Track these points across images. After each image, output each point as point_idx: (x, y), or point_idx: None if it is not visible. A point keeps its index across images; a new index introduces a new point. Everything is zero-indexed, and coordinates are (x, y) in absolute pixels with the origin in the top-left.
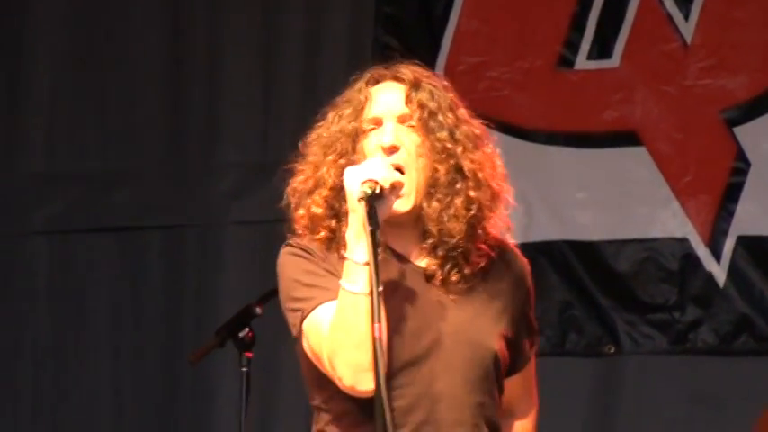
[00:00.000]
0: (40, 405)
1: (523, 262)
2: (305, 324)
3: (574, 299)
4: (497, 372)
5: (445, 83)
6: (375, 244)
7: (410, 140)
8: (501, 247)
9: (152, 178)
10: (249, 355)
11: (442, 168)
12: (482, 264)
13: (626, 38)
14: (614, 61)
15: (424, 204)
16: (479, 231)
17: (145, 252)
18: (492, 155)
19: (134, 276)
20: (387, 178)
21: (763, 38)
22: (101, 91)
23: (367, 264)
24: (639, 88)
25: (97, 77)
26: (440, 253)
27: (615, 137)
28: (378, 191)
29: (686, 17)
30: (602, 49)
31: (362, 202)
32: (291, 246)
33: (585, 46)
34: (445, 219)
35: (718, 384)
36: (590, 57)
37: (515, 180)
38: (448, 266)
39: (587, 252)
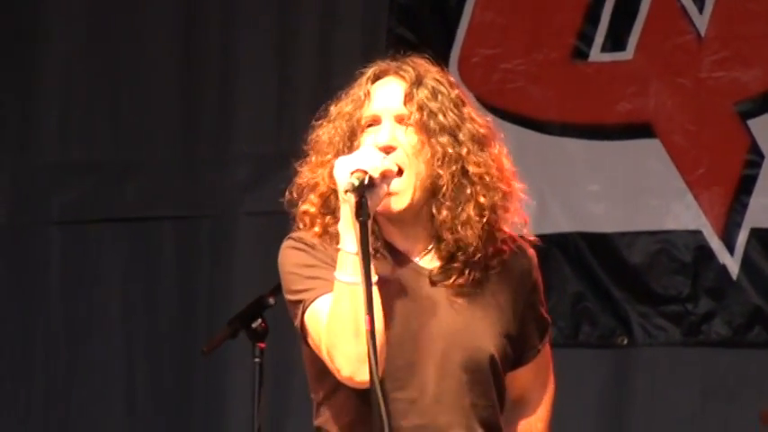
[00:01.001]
0: (53, 394)
1: (530, 256)
2: (306, 316)
3: (587, 290)
4: (495, 374)
5: (451, 78)
6: (366, 234)
7: (407, 140)
8: (514, 245)
9: (165, 169)
10: (262, 345)
11: (445, 173)
12: (494, 265)
13: (640, 30)
14: (628, 53)
15: (434, 211)
16: (496, 234)
17: (158, 242)
18: (499, 154)
19: (147, 267)
20: (376, 167)
21: None
22: (115, 81)
23: (357, 254)
24: (653, 80)
25: (111, 68)
26: (458, 258)
27: (629, 129)
28: (366, 181)
29: (700, 10)
30: (616, 41)
31: (350, 194)
32: (292, 239)
33: (600, 38)
34: (459, 227)
35: (731, 376)
36: (604, 49)
37: (529, 172)
38: (463, 271)
39: (601, 244)
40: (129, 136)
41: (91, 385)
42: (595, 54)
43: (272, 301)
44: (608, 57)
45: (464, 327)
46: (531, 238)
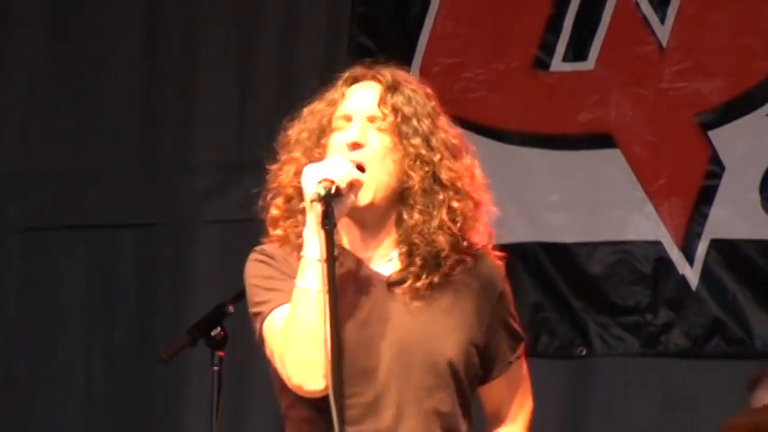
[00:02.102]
0: (11, 402)
1: (497, 266)
2: (264, 326)
3: (546, 301)
4: (457, 380)
5: (428, 90)
6: (331, 243)
7: (377, 140)
8: (478, 254)
9: (126, 177)
10: (221, 353)
11: (416, 175)
12: (455, 272)
13: (601, 40)
14: (589, 63)
15: (405, 216)
16: (465, 242)
17: (118, 250)
18: (471, 165)
19: (107, 274)
20: (344, 177)
21: (739, 42)
22: (76, 89)
23: (320, 261)
24: (614, 91)
25: (72, 75)
26: (417, 261)
27: (590, 139)
28: (333, 190)
29: (662, 20)
30: (577, 51)
31: (316, 204)
32: (256, 252)
33: (561, 48)
34: (431, 231)
35: (690, 387)
36: (565, 59)
37: (489, 181)
38: (421, 275)
39: (560, 254)
40: (91, 143)
41: (50, 391)
42: (557, 64)
43: (231, 309)
44: (569, 66)
45: (421, 331)
46: (498, 254)
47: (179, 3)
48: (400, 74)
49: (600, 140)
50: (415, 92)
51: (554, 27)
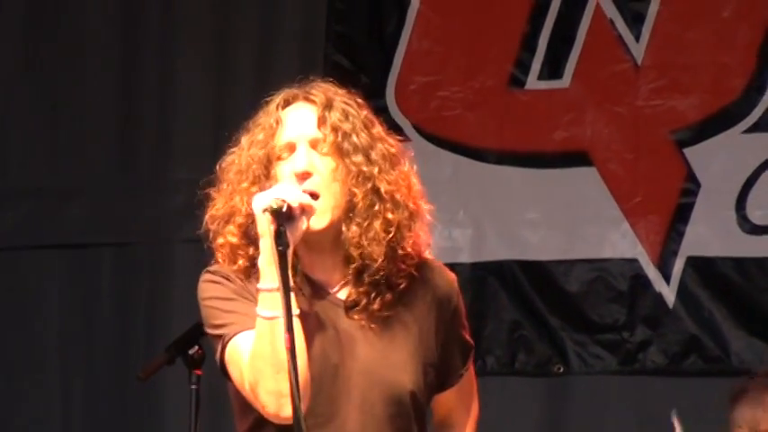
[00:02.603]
0: None
1: (448, 278)
2: (227, 351)
3: (523, 318)
4: (416, 408)
5: (359, 100)
6: (285, 264)
7: (324, 165)
8: (422, 265)
9: (103, 195)
10: (198, 372)
11: (359, 192)
12: (403, 285)
13: (577, 58)
14: (565, 81)
15: (344, 228)
16: (400, 252)
17: (96, 268)
18: (408, 173)
19: (85, 293)
20: (296, 199)
21: (714, 59)
22: (52, 106)
23: (278, 290)
24: (590, 109)
25: (49, 92)
26: (365, 279)
27: (566, 157)
28: (285, 209)
29: (637, 38)
30: (552, 69)
31: (267, 215)
32: (210, 272)
33: (536, 66)
34: (365, 242)
35: (667, 405)
36: (541, 77)
37: (466, 199)
38: (371, 293)
39: (537, 272)
40: (67, 162)
41: (28, 410)
42: (532, 82)
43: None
44: (545, 84)
45: (382, 361)
46: (439, 263)
47: (155, 21)
48: (330, 88)
49: (576, 158)
50: (349, 104)
51: (529, 45)
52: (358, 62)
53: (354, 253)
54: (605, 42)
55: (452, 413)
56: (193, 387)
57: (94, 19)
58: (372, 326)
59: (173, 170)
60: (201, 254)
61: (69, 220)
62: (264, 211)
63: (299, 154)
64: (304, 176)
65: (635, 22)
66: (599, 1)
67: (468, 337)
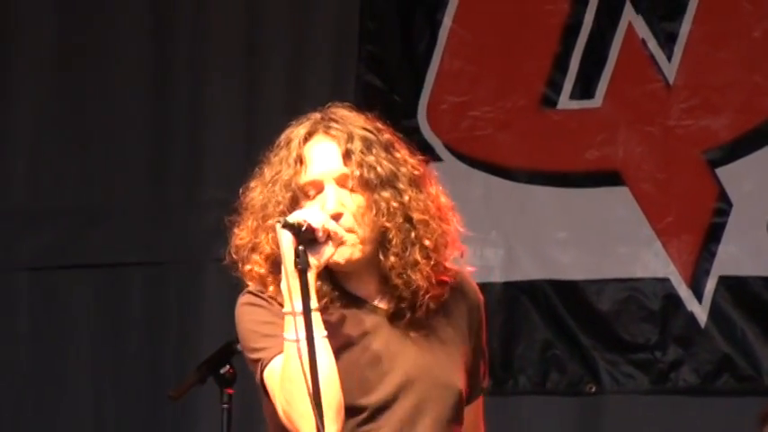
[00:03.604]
0: None
1: (477, 291)
2: (265, 375)
3: (555, 338)
4: (462, 408)
5: (378, 124)
6: (306, 285)
7: (353, 202)
8: (456, 274)
9: (134, 215)
10: (230, 391)
11: (392, 225)
12: (444, 296)
13: (609, 78)
14: (597, 101)
15: (382, 258)
16: (441, 269)
17: (127, 289)
18: (436, 193)
19: (115, 312)
20: (321, 223)
21: (746, 78)
22: (84, 126)
23: (302, 313)
24: (622, 128)
25: (81, 113)
26: (405, 295)
27: (597, 176)
28: (304, 227)
29: (669, 58)
30: (584, 88)
31: (289, 235)
32: (250, 294)
33: (568, 86)
34: (408, 271)
35: (700, 424)
36: (573, 96)
37: (497, 219)
38: (414, 305)
39: (569, 291)
40: (98, 181)
41: (60, 430)
42: (564, 101)
43: (239, 347)
44: (576, 104)
45: (434, 364)
46: (470, 269)
47: (186, 43)
48: (347, 117)
49: (608, 178)
50: (369, 131)
51: (561, 65)
52: (389, 82)
53: (397, 281)
54: (637, 62)
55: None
56: (225, 406)
57: (125, 40)
58: (417, 334)
59: (203, 190)
60: (232, 274)
61: (100, 239)
62: (283, 226)
63: (328, 194)
64: (336, 217)
65: (667, 41)
66: (631, 20)
67: (487, 352)
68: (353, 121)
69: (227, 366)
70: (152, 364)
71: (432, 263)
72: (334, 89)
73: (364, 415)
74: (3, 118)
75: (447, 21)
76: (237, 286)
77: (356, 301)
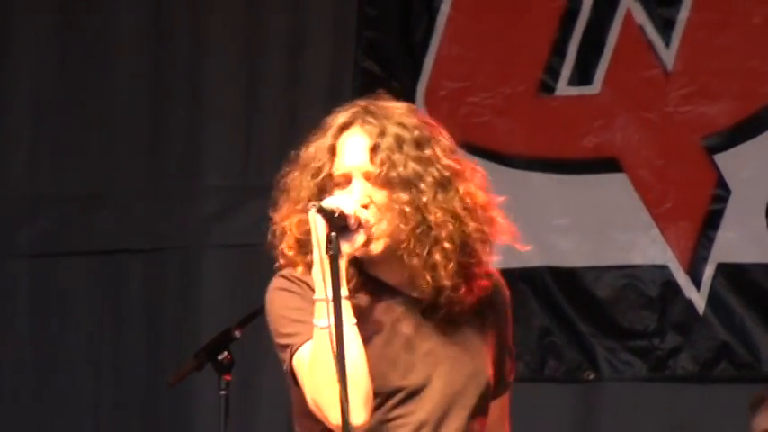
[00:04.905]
0: (20, 425)
1: (504, 287)
2: (294, 361)
3: (553, 325)
4: (489, 398)
5: (414, 120)
6: (336, 271)
7: (378, 196)
8: (491, 276)
9: (133, 201)
10: (228, 377)
11: (406, 226)
12: (481, 295)
13: (607, 64)
14: (595, 87)
15: (406, 258)
16: (475, 270)
17: (126, 275)
18: (466, 191)
19: (115, 299)
20: (352, 209)
21: (744, 65)
22: (83, 113)
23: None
24: (620, 115)
25: (80, 100)
26: (441, 299)
27: (595, 163)
28: (337, 214)
29: (667, 44)
30: (582, 75)
31: (321, 220)
32: (283, 278)
33: (566, 72)
34: (430, 271)
35: (698, 411)
36: (571, 83)
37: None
38: (446, 302)
39: (567, 278)
40: (97, 168)
41: (57, 417)
42: (562, 88)
43: (237, 333)
44: (575, 90)
45: (465, 352)
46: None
47: (185, 31)
48: (387, 108)
49: (606, 164)
50: (404, 126)
51: (559, 51)
52: (388, 68)
53: (421, 282)
54: (635, 48)
55: (492, 427)
56: (222, 392)
57: (124, 26)
58: (445, 325)
59: (202, 176)
60: (230, 259)
61: (99, 226)
62: (317, 210)
63: (355, 187)
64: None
65: (665, 28)
66: (629, 7)
67: (513, 349)
68: (392, 114)
69: (225, 353)
70: (150, 350)
71: (452, 264)
72: (332, 76)
73: (401, 395)
74: (2, 105)
75: (445, 7)
76: (236, 272)
77: (388, 290)
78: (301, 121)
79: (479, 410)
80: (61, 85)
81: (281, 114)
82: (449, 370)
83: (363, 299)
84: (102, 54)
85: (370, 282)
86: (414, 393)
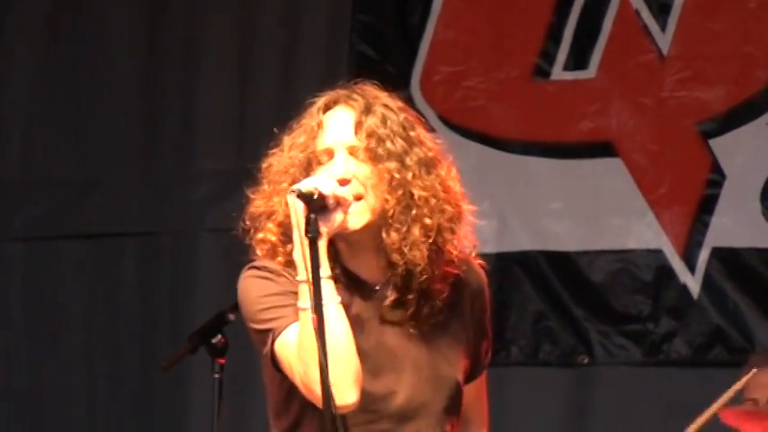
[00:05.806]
0: (14, 409)
1: (480, 274)
2: (276, 345)
3: (548, 309)
4: (459, 399)
5: (400, 103)
6: (316, 252)
7: (361, 171)
8: (464, 265)
9: (127, 185)
10: (221, 361)
11: (392, 198)
12: (448, 290)
13: (602, 49)
14: (590, 72)
15: (384, 235)
16: (443, 255)
17: (120, 259)
18: (446, 176)
19: (109, 283)
20: (330, 189)
21: (740, 50)
22: (77, 98)
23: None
24: (615, 99)
25: (73, 84)
26: (413, 286)
27: (591, 147)
28: (316, 196)
29: (663, 29)
30: (578, 59)
31: (300, 203)
32: (255, 268)
33: (562, 56)
34: (406, 248)
35: (692, 396)
36: (566, 67)
37: (490, 190)
38: (420, 300)
39: (562, 262)
40: (91, 152)
41: (52, 399)
42: (557, 72)
43: (232, 317)
44: (570, 75)
45: (434, 355)
46: (480, 262)
47: (179, 15)
48: (371, 91)
49: (601, 149)
50: (389, 108)
51: (555, 35)
52: (383, 52)
53: (397, 259)
54: (631, 33)
55: (470, 408)
56: (216, 376)
57: (119, 10)
58: (416, 323)
59: (196, 160)
60: (224, 243)
61: (93, 210)
62: (297, 195)
63: (337, 160)
64: (342, 183)
65: (661, 12)
66: None
67: (489, 328)
68: (377, 96)
69: (219, 336)
70: (145, 334)
71: (431, 241)
72: (327, 59)
73: (365, 401)
74: None
75: None
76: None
77: (360, 285)
78: (296, 105)
79: (448, 412)
80: (56, 70)
81: (275, 97)
82: (416, 374)
83: (339, 291)
84: (95, 39)
85: (344, 276)
86: (379, 399)
